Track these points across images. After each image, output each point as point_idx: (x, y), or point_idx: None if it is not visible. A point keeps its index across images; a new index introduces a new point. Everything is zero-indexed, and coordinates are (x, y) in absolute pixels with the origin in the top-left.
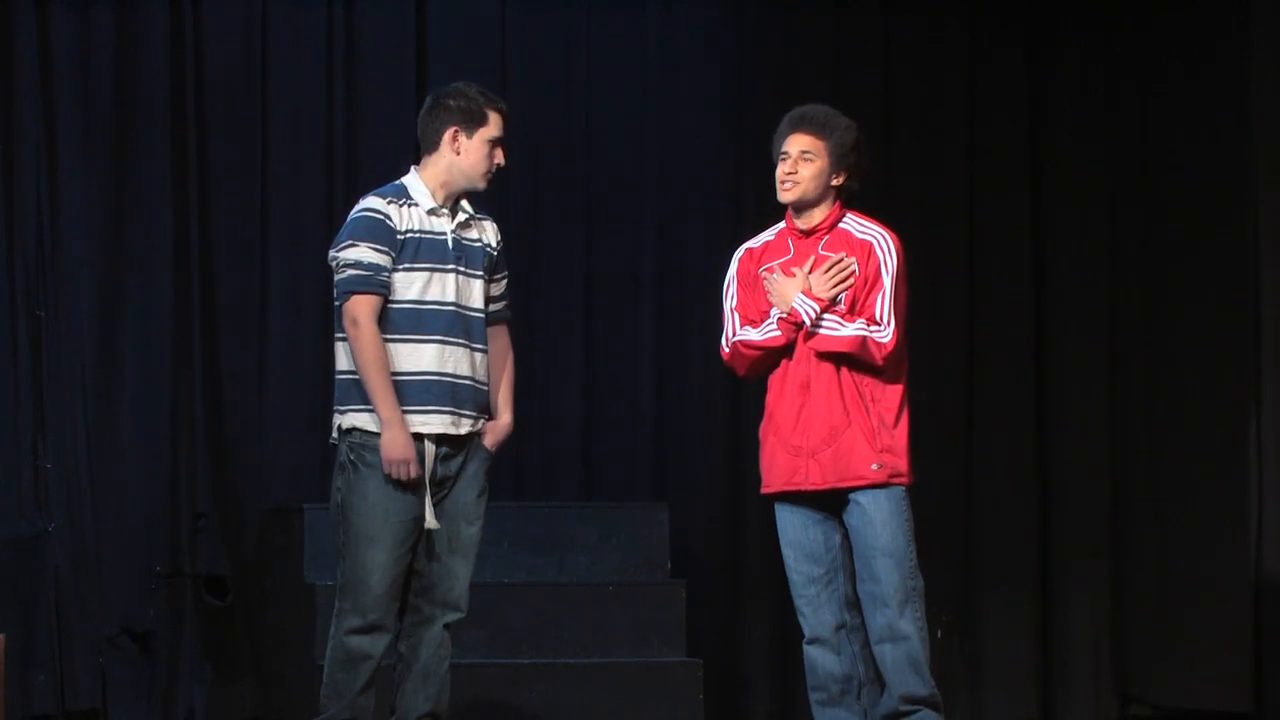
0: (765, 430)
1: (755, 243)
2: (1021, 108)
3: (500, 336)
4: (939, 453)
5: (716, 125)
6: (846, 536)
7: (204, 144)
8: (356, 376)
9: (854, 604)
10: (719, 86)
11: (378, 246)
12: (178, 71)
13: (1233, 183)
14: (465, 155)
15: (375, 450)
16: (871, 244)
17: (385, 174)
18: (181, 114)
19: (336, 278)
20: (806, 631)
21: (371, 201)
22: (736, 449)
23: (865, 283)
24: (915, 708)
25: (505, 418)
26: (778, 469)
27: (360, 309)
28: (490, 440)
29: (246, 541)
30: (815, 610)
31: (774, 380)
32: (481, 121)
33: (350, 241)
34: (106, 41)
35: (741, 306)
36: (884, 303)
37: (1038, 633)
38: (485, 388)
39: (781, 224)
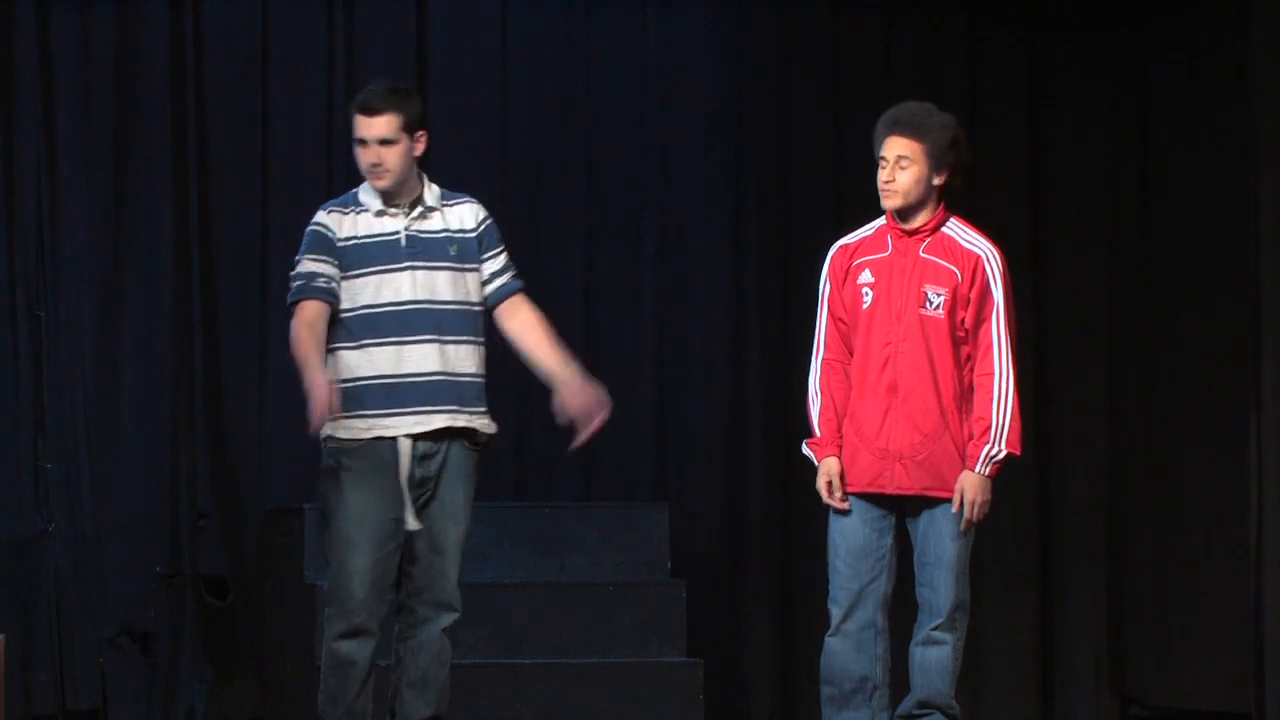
0: (848, 430)
1: (851, 239)
2: (1021, 107)
3: (518, 311)
4: None
5: (716, 125)
6: (897, 539)
7: (204, 144)
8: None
9: (889, 607)
10: (719, 86)
11: (316, 256)
12: (178, 71)
13: (1233, 182)
14: (357, 160)
15: (351, 454)
16: (980, 258)
17: None
18: (181, 114)
19: None
20: (834, 623)
21: (318, 215)
22: (737, 449)
23: (967, 301)
24: (929, 712)
25: (568, 377)
26: (859, 470)
27: (294, 317)
28: (579, 405)
29: (246, 541)
30: (852, 605)
31: (858, 382)
32: (351, 127)
33: (299, 258)
34: (106, 41)
35: (833, 305)
36: (999, 333)
37: (1038, 633)
38: (468, 379)
39: (880, 220)
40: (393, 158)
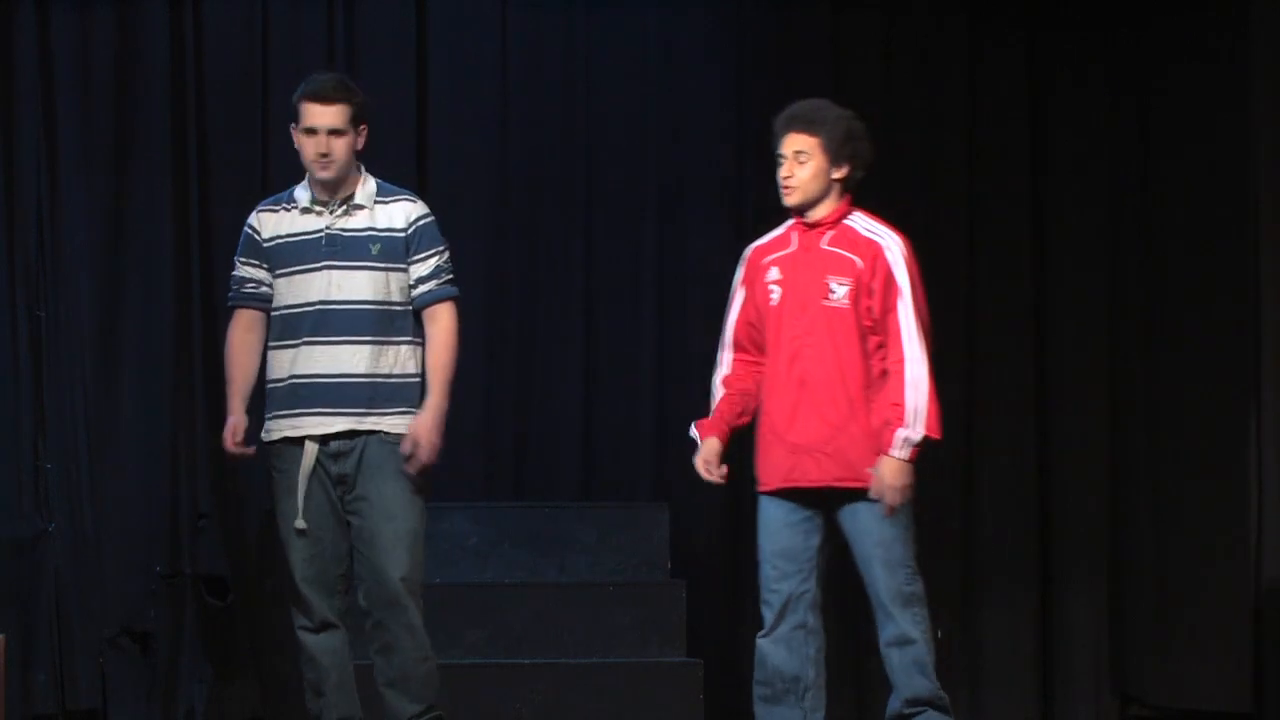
0: (762, 427)
1: (763, 239)
2: (1021, 106)
3: (434, 321)
4: (938, 453)
5: (717, 125)
6: (828, 540)
7: (204, 144)
8: (267, 385)
9: (820, 607)
10: (719, 86)
11: (244, 259)
12: (178, 71)
13: (1233, 183)
14: (300, 153)
15: (278, 456)
16: (880, 246)
17: (384, 174)
18: (181, 114)
19: None
20: (767, 625)
21: (251, 214)
22: (737, 448)
23: (870, 290)
24: (920, 709)
25: (424, 411)
26: (774, 466)
27: (231, 322)
28: (407, 445)
29: (246, 541)
30: (783, 608)
31: (769, 378)
32: (295, 117)
33: (236, 257)
34: (106, 41)
35: (744, 306)
36: (907, 319)
37: (1038, 633)
38: (385, 379)
39: (791, 220)
40: (340, 149)
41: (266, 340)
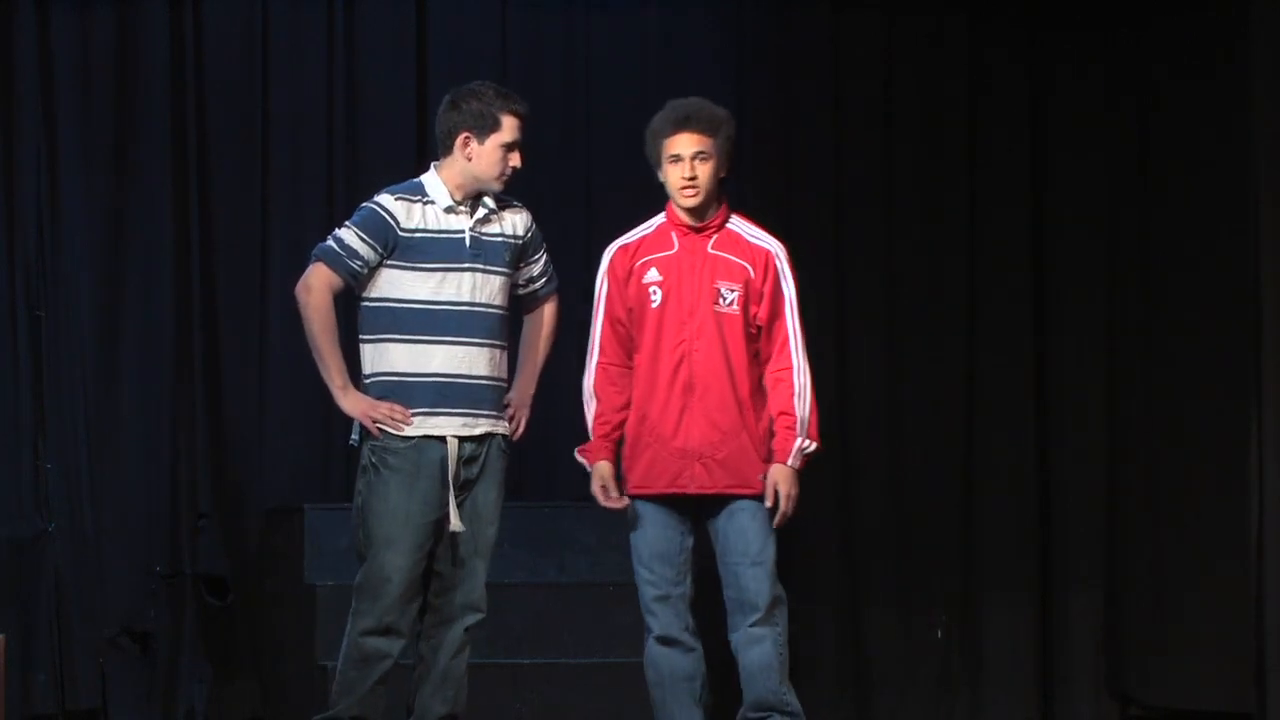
0: (639, 432)
1: (629, 239)
2: (1022, 106)
3: (549, 309)
4: (939, 453)
5: None
6: (697, 541)
7: (204, 144)
8: (380, 379)
9: (695, 607)
10: (719, 86)
11: (365, 238)
12: (178, 71)
13: (1233, 184)
14: (477, 160)
15: (397, 453)
16: (770, 253)
17: (385, 174)
18: (181, 114)
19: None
20: (657, 630)
21: (381, 197)
22: None
23: (760, 296)
24: (767, 714)
25: (525, 385)
26: (658, 471)
27: (316, 277)
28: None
29: (247, 541)
30: (665, 611)
31: (649, 382)
32: (494, 127)
33: (347, 224)
34: (107, 41)
35: (611, 307)
36: (794, 327)
37: (1038, 633)
38: (503, 384)
39: (659, 218)
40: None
41: (372, 328)
